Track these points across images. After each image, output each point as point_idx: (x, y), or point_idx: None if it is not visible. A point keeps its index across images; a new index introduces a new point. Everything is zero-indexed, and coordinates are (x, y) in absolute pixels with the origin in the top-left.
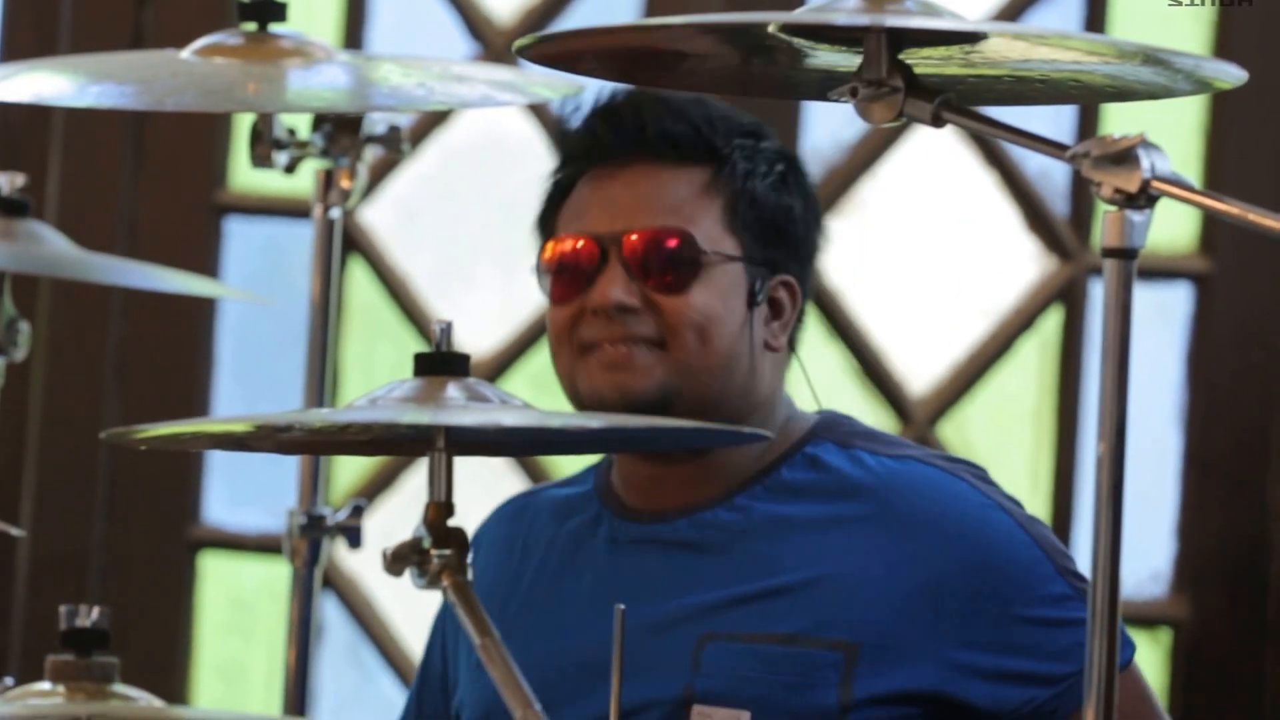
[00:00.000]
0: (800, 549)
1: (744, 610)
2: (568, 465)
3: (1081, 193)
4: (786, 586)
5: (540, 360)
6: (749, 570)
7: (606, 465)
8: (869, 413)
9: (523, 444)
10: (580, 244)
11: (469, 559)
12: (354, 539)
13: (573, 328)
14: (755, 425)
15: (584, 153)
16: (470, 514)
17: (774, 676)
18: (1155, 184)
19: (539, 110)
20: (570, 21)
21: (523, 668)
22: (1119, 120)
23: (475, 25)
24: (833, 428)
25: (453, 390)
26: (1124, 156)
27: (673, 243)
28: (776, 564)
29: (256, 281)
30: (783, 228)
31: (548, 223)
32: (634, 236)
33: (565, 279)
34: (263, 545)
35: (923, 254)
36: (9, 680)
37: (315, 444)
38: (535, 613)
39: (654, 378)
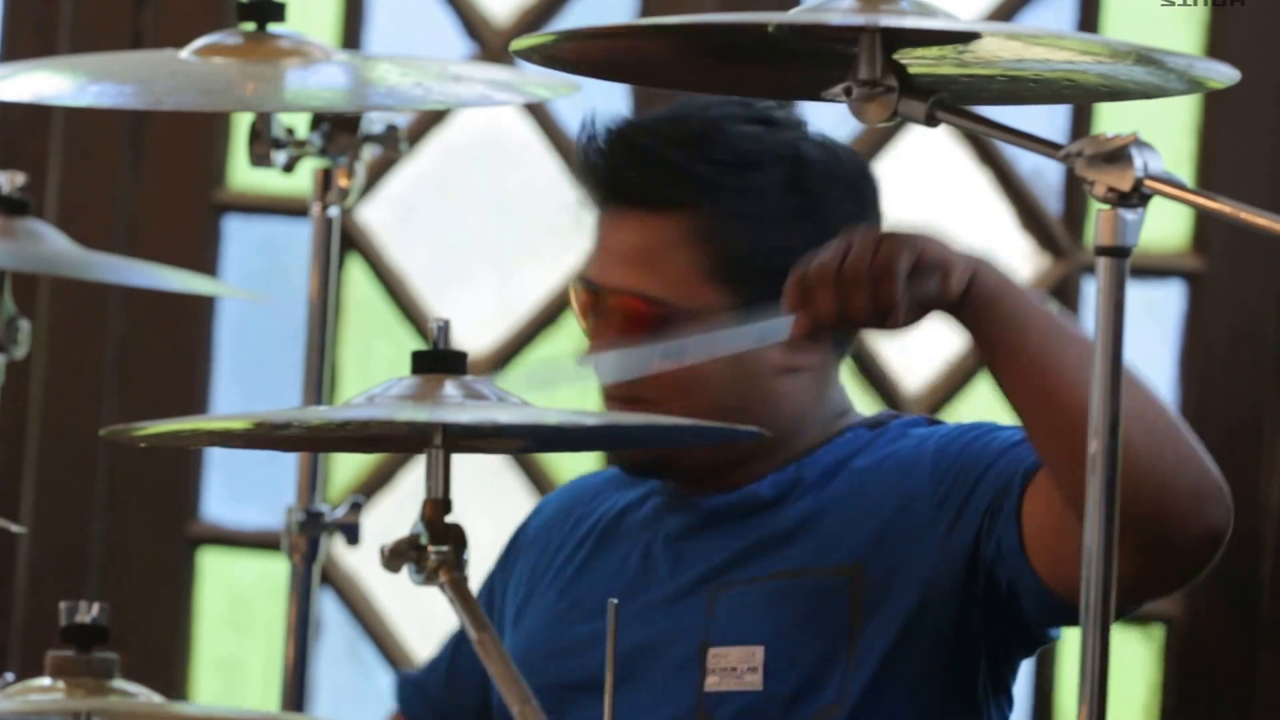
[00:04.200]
0: (805, 501)
1: (752, 559)
2: (566, 463)
3: (1074, 191)
4: (789, 529)
5: (537, 358)
6: (759, 527)
7: None
8: (864, 410)
9: (520, 441)
10: (582, 291)
11: (467, 553)
12: (352, 536)
13: None
14: (786, 446)
15: (584, 194)
16: (468, 511)
17: (784, 610)
18: (1148, 183)
19: (536, 109)
20: (567, 21)
21: (540, 633)
22: (1112, 119)
23: (472, 25)
24: (877, 418)
25: (450, 388)
26: (1117, 155)
27: (647, 311)
28: (783, 517)
29: (255, 280)
30: (783, 263)
31: None
32: (616, 299)
33: (582, 318)
34: (261, 542)
35: None
36: (9, 676)
37: (313, 441)
38: (567, 581)
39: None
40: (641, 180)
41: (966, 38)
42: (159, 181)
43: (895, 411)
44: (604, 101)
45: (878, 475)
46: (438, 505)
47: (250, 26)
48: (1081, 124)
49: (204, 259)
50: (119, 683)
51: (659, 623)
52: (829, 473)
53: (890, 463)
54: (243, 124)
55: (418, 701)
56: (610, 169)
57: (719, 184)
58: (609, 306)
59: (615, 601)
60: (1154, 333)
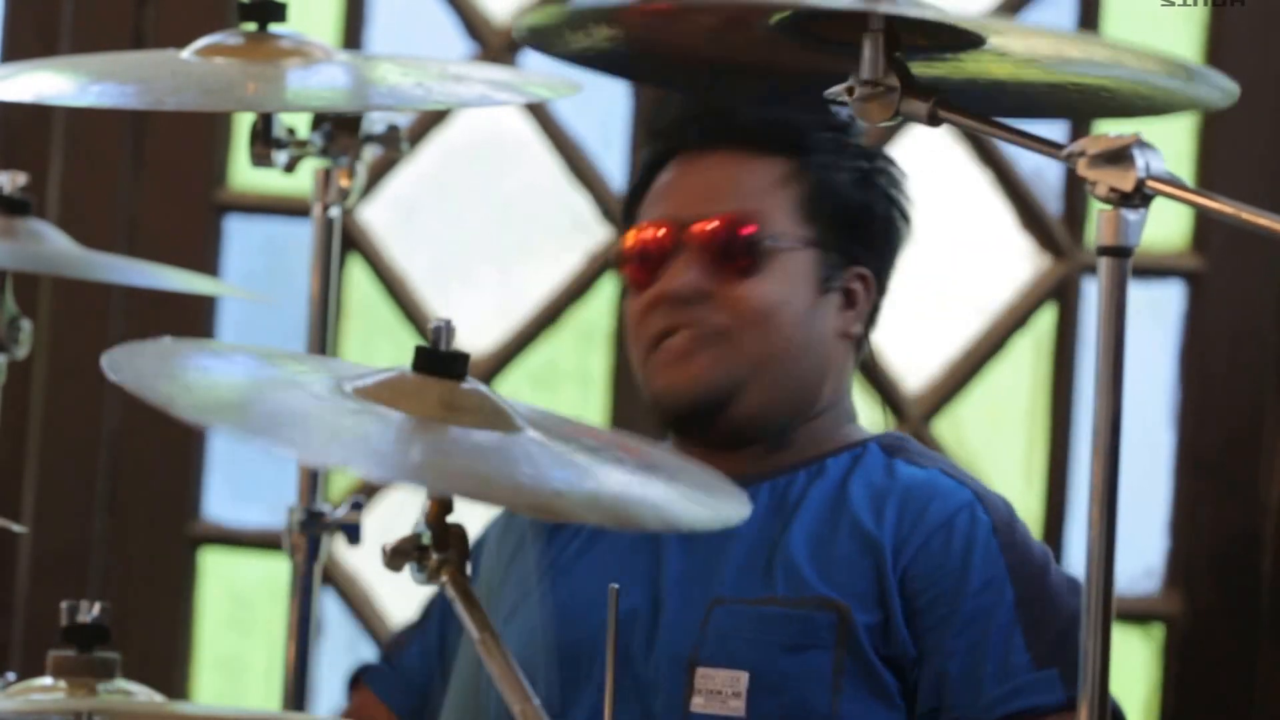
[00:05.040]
0: (808, 526)
1: (750, 576)
2: None
3: (1075, 191)
4: (788, 555)
5: (538, 358)
6: (761, 542)
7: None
8: (864, 410)
9: None
10: (655, 230)
11: (470, 556)
12: (353, 535)
13: (645, 317)
14: (824, 409)
15: (672, 139)
16: (468, 511)
17: (772, 638)
18: (1150, 183)
19: (536, 109)
20: None
21: (534, 635)
22: (1113, 120)
23: (473, 25)
24: (887, 440)
25: None
26: (1119, 155)
27: (739, 229)
28: (787, 538)
29: (256, 280)
30: (861, 222)
31: (632, 211)
32: (703, 223)
33: (641, 265)
34: (263, 541)
35: (917, 252)
36: (10, 676)
37: None
38: (556, 578)
39: (719, 370)
40: (760, 123)
41: (976, 41)
42: (160, 181)
43: (901, 435)
44: (605, 100)
45: (895, 521)
46: (439, 505)
47: (251, 26)
48: (1082, 124)
49: (205, 259)
50: (120, 682)
51: (659, 620)
52: (843, 485)
53: (923, 524)
54: (244, 124)
55: (399, 688)
56: (734, 112)
57: (818, 139)
58: (693, 236)
59: (616, 586)
60: (1154, 333)
